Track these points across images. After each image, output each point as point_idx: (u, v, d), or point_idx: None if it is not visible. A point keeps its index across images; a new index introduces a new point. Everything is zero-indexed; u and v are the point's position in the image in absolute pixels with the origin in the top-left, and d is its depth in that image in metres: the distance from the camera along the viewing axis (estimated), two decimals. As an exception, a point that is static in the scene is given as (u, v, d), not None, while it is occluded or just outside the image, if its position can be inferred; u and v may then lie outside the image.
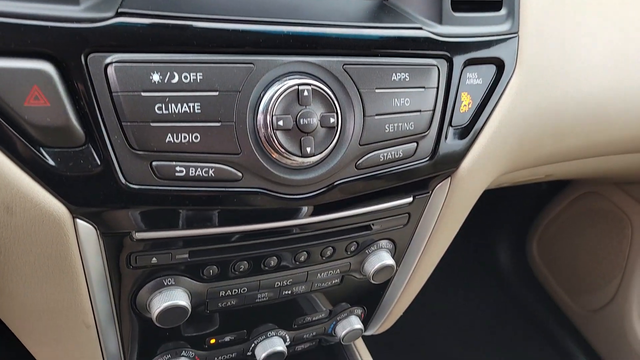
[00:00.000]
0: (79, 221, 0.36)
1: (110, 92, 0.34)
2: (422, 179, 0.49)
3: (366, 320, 0.61)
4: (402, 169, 0.46)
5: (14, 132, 0.32)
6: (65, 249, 0.37)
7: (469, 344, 1.40)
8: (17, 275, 0.37)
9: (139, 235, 0.39)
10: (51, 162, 0.34)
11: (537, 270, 1.53)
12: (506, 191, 1.57)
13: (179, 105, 0.36)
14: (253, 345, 0.54)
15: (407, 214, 0.52)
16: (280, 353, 0.54)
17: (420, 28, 0.45)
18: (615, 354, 1.30)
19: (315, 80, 0.40)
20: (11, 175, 0.33)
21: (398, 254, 0.55)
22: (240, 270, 0.46)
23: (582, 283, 1.38)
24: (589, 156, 0.73)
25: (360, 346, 0.72)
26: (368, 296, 0.59)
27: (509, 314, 1.52)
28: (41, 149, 0.33)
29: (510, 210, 1.61)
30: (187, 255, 0.42)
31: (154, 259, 0.41)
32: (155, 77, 0.35)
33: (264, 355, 0.53)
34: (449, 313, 1.49)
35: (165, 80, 0.35)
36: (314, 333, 0.58)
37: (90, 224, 0.37)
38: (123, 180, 0.36)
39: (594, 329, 1.35)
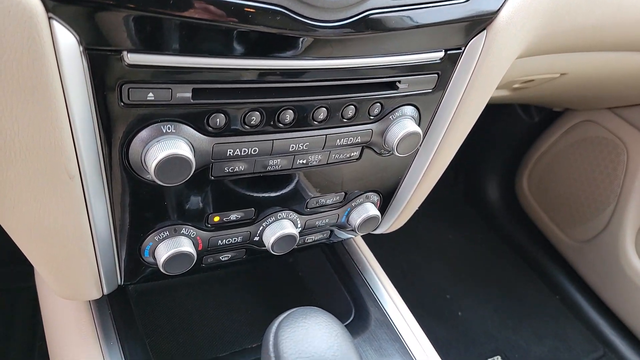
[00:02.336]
0: (56, 25, 0.29)
1: None
2: (457, 26, 0.42)
3: (381, 211, 0.56)
4: (437, 6, 0.40)
5: None
6: (40, 61, 0.29)
7: (460, 279, 1.39)
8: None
9: (132, 57, 0.32)
10: None
11: (527, 205, 1.52)
12: (495, 128, 1.54)
13: None
14: (261, 228, 0.48)
15: (436, 74, 0.46)
16: (291, 237, 0.48)
17: None
18: (607, 282, 1.30)
19: None
20: None
21: (423, 125, 0.49)
22: (252, 123, 0.39)
23: (574, 214, 1.38)
24: (614, 47, 0.69)
25: (362, 244, 0.68)
26: (386, 180, 0.53)
27: (499, 250, 1.51)
28: None
29: (498, 148, 1.58)
30: (189, 95, 0.35)
31: (151, 94, 0.34)
32: None
33: (273, 238, 0.47)
34: (440, 250, 1.47)
35: None
36: (327, 220, 0.52)
37: (70, 32, 0.29)
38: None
39: (586, 259, 1.35)
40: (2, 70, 0.28)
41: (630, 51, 0.75)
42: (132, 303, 0.53)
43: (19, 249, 0.40)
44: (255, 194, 0.46)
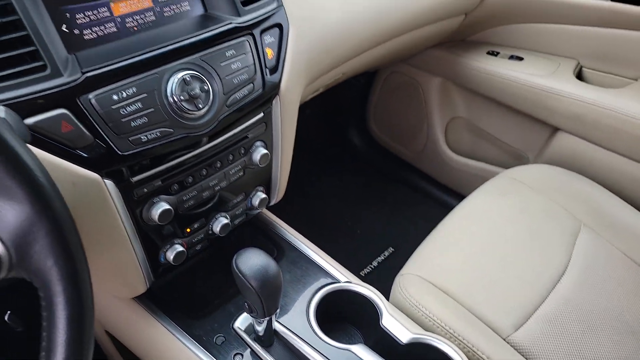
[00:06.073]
0: (106, 180, 0.71)
1: (96, 110, 0.68)
2: (264, 100, 0.89)
3: (268, 193, 1.03)
4: (250, 99, 0.85)
5: (62, 145, 0.66)
6: (104, 196, 0.71)
7: (353, 208, 1.93)
8: (88, 216, 0.71)
9: (134, 178, 0.75)
10: (84, 154, 0.68)
11: (379, 138, 2.08)
12: (344, 93, 2.06)
13: (131, 105, 0.70)
14: (211, 226, 0.93)
15: (264, 123, 0.92)
16: (227, 224, 0.93)
17: (230, 23, 0.82)
18: (440, 172, 1.91)
19: (191, 70, 0.75)
20: (70, 166, 0.66)
21: (269, 147, 0.95)
22: (189, 182, 0.83)
23: (409, 135, 1.95)
24: (361, 51, 1.20)
25: (272, 216, 1.15)
26: (264, 178, 1.00)
27: (372, 176, 2.07)
28: (77, 150, 0.67)
29: (351, 105, 2.12)
30: (160, 182, 0.79)
31: (144, 189, 0.77)
32: (115, 97, 0.69)
33: (218, 228, 0.92)
34: (332, 194, 1.99)
35: (120, 96, 0.70)
36: (241, 209, 0.98)
37: (110, 180, 0.72)
38: (118, 152, 0.70)
39: (425, 162, 1.94)
40: (92, 203, 0.70)
41: (379, 45, 1.27)
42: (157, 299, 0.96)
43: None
44: (202, 212, 0.90)
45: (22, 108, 0.61)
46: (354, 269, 1.10)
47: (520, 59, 1.57)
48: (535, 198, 1.35)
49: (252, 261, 0.76)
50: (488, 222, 1.28)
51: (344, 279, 1.02)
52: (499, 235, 1.24)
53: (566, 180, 1.38)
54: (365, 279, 1.07)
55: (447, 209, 1.91)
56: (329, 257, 1.09)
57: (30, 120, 0.62)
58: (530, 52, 1.59)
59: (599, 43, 1.45)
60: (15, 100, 0.61)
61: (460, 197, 1.90)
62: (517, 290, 1.13)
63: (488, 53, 1.62)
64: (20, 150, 0.39)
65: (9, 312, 1.33)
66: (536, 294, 1.12)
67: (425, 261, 1.18)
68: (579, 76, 1.51)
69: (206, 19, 0.83)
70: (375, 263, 1.71)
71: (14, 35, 0.62)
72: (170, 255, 0.87)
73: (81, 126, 0.66)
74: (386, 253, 1.76)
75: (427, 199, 1.96)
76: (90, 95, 0.67)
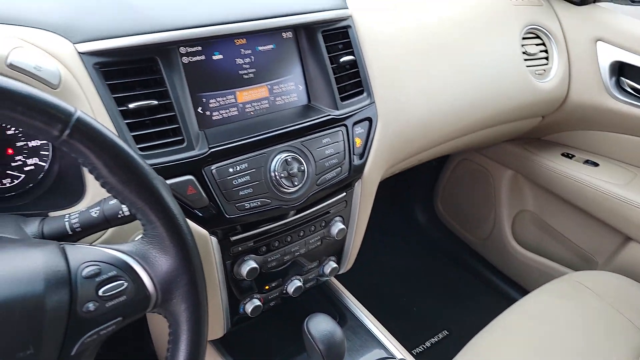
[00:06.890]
0: (211, 236, 0.85)
1: (215, 179, 0.83)
2: (347, 182, 1.01)
3: (338, 263, 1.12)
4: (337, 180, 0.98)
5: (185, 205, 0.80)
6: (209, 250, 0.85)
7: (410, 284, 1.96)
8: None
9: (233, 237, 0.88)
10: (200, 214, 0.82)
11: (444, 219, 2.13)
12: (413, 173, 2.16)
13: (242, 177, 0.85)
14: (286, 287, 1.03)
15: (345, 201, 1.04)
16: (299, 287, 1.03)
17: (329, 115, 0.97)
18: (503, 262, 1.92)
19: (292, 153, 0.90)
20: (189, 223, 0.81)
21: (346, 222, 1.07)
22: (275, 245, 0.95)
23: (473, 222, 1.99)
24: (439, 143, 1.31)
25: (338, 284, 1.24)
26: (337, 249, 1.10)
27: (435, 257, 2.11)
28: (195, 209, 0.81)
29: (419, 184, 2.21)
30: (252, 244, 0.91)
31: (239, 247, 0.90)
32: (230, 169, 0.84)
33: (292, 289, 1.03)
34: (394, 269, 2.04)
35: (234, 169, 0.84)
36: (313, 275, 1.08)
37: (214, 237, 0.85)
38: (226, 215, 0.84)
39: (488, 250, 1.96)
40: (208, 253, 0.84)
41: (453, 139, 1.37)
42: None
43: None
44: (282, 273, 1.01)
45: (163, 173, 0.77)
46: (406, 346, 1.15)
47: (596, 164, 1.60)
48: (599, 307, 1.33)
49: (321, 326, 0.85)
50: (548, 324, 1.28)
51: (400, 355, 1.07)
52: (558, 339, 1.24)
53: (634, 292, 1.36)
54: (416, 357, 1.11)
55: (507, 300, 1.91)
56: (387, 330, 1.14)
57: (166, 183, 0.78)
58: (606, 159, 1.62)
59: (678, 159, 1.46)
60: (159, 166, 0.77)
61: (522, 290, 1.90)
62: (572, 399, 1.11)
63: (563, 155, 1.67)
64: (180, 220, 0.53)
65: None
66: (593, 407, 1.10)
67: (480, 353, 1.20)
68: (656, 189, 1.51)
69: (309, 109, 0.98)
70: (428, 344, 1.72)
71: (165, 114, 0.80)
72: (249, 308, 0.97)
73: (202, 191, 0.81)
74: (440, 335, 1.76)
75: (488, 287, 1.96)
76: (213, 167, 0.82)
